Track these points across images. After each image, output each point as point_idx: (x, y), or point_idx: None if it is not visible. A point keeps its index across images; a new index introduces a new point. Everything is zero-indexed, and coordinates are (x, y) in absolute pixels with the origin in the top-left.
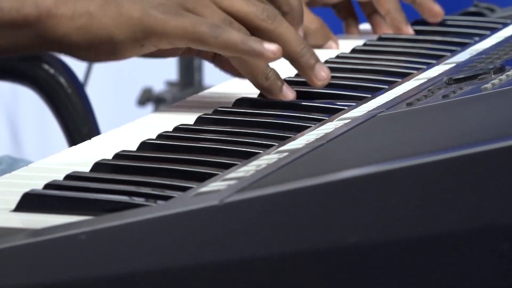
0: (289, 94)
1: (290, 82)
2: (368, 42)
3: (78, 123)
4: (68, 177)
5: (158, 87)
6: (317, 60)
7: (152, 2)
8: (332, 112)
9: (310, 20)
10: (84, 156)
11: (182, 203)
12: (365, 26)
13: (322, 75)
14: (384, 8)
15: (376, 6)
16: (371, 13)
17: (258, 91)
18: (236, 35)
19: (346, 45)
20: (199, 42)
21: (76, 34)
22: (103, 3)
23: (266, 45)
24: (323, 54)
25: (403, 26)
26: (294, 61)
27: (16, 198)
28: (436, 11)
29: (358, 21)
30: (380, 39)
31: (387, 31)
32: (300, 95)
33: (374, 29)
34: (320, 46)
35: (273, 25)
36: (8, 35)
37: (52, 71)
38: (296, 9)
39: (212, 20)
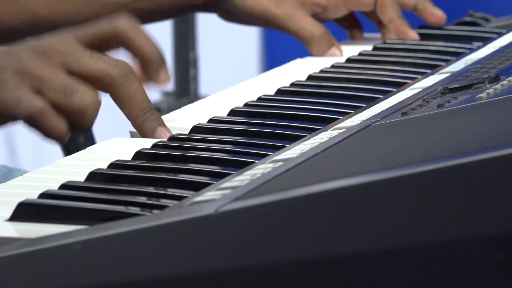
0: (162, 135)
1: (284, 91)
2: (363, 52)
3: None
4: (63, 186)
5: (154, 96)
6: (160, 123)
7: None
8: (327, 122)
9: (314, 27)
10: (79, 166)
11: (177, 212)
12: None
13: (162, 137)
14: (387, 16)
15: (379, 15)
16: (379, 21)
17: (253, 100)
18: (34, 105)
19: (353, 50)
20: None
21: None
22: None
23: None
24: (318, 63)
25: (408, 31)
26: (135, 123)
27: (11, 208)
28: (438, 15)
29: (362, 28)
30: (375, 48)
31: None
32: (294, 104)
33: (384, 37)
34: (323, 54)
35: (123, 85)
36: None
37: None
38: (153, 54)
39: (53, 85)
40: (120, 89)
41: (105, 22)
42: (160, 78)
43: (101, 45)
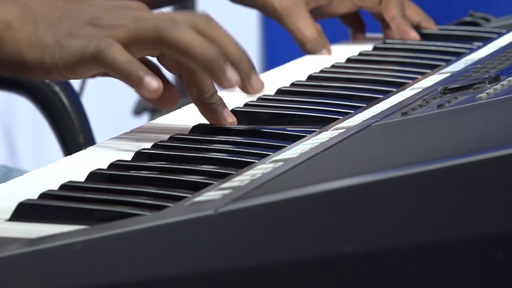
0: (228, 119)
1: (284, 91)
2: (363, 52)
3: (73, 132)
4: (63, 186)
5: None
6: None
7: (63, 30)
8: (327, 122)
9: (308, 30)
10: (80, 166)
11: (177, 212)
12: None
13: (228, 122)
14: (390, 14)
15: (382, 12)
16: (383, 19)
17: (253, 100)
18: (120, 55)
19: (354, 50)
20: (88, 63)
21: None
22: (22, 16)
23: (148, 78)
24: (318, 63)
25: (409, 31)
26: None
27: (11, 208)
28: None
29: (364, 29)
30: (375, 48)
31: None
32: (295, 104)
33: (386, 36)
34: (313, 54)
35: (169, 33)
36: None
37: (47, 80)
38: (242, 58)
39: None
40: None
41: (180, 14)
42: (253, 86)
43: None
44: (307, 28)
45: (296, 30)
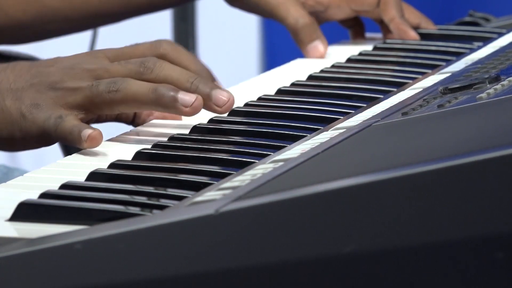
0: (220, 98)
1: (284, 91)
2: (364, 52)
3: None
4: (64, 186)
5: None
6: (213, 87)
7: (27, 101)
8: (328, 122)
9: (300, 15)
10: (80, 165)
11: (177, 212)
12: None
13: (222, 99)
14: (389, 15)
15: (381, 14)
16: (381, 20)
17: (253, 100)
18: (71, 123)
19: (354, 50)
20: (50, 137)
21: None
22: None
23: (89, 132)
24: (318, 63)
25: (408, 31)
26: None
27: (12, 208)
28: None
29: (364, 29)
30: (375, 48)
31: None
32: (295, 104)
33: (385, 36)
34: (306, 44)
35: (153, 74)
36: None
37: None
38: (203, 74)
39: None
40: (154, 78)
41: (144, 44)
42: (216, 102)
43: None
44: (299, 13)
45: (288, 16)
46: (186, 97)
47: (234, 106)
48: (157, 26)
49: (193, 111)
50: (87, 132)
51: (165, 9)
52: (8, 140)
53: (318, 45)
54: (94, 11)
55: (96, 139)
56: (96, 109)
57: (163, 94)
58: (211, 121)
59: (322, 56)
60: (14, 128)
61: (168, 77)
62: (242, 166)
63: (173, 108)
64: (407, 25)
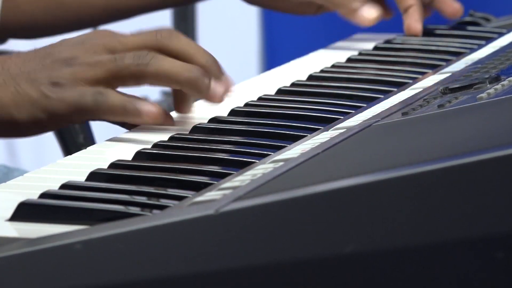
0: (217, 90)
1: (284, 91)
2: (364, 52)
3: (73, 132)
4: (64, 186)
5: (154, 96)
6: (221, 73)
7: (44, 80)
8: (328, 122)
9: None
10: (80, 166)
11: (177, 212)
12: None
13: (219, 91)
14: (404, 5)
15: (397, 3)
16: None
17: (253, 100)
18: (118, 98)
19: (354, 50)
20: (86, 114)
21: None
22: (2, 80)
23: (146, 105)
24: (318, 63)
25: (412, 23)
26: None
27: (12, 208)
28: (456, 7)
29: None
30: (375, 48)
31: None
32: (295, 104)
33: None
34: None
35: (171, 45)
36: None
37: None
38: (208, 62)
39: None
40: (170, 47)
41: (146, 32)
42: (224, 86)
43: None
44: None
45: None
46: (217, 88)
47: (235, 106)
48: (157, 25)
49: (220, 102)
50: (143, 105)
51: (176, 6)
52: (28, 123)
53: (370, 11)
54: (104, 6)
55: (153, 112)
56: (120, 83)
57: (197, 76)
58: (211, 121)
59: (373, 22)
60: (35, 110)
61: (186, 47)
62: (242, 166)
63: (202, 93)
64: (415, 18)
